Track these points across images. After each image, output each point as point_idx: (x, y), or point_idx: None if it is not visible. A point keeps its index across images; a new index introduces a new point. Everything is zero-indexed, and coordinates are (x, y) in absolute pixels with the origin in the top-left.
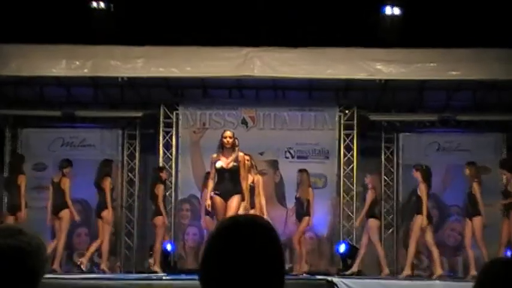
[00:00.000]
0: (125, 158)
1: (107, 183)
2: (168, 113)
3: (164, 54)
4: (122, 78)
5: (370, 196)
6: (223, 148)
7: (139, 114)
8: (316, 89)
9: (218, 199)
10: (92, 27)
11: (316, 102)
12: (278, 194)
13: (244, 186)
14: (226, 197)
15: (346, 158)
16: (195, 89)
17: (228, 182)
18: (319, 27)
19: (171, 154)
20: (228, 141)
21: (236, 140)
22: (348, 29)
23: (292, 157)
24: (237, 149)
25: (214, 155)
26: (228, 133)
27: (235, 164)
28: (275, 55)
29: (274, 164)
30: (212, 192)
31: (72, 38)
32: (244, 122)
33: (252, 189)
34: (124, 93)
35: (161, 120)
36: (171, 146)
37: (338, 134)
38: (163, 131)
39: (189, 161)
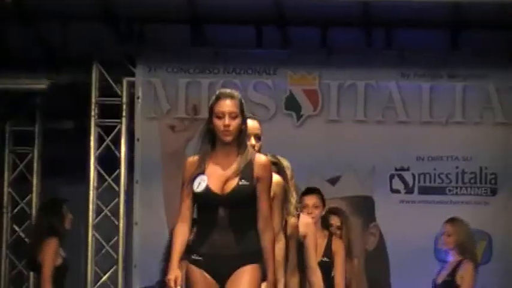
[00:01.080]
0: (7, 190)
1: (49, 254)
2: (110, 81)
3: None
4: None
5: (467, 275)
6: (213, 144)
7: (42, 84)
8: (467, 23)
9: (199, 274)
10: None
11: (468, 59)
12: (375, 278)
13: (274, 242)
14: (219, 272)
15: None
16: (174, 23)
17: (227, 229)
18: None
19: (116, 182)
20: (227, 126)
21: (255, 124)
22: None
23: (409, 188)
24: (255, 145)
25: (192, 159)
26: (228, 103)
27: (245, 183)
28: None
29: (363, 206)
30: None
31: None
32: (292, 105)
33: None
34: (5, 34)
35: (93, 98)
36: (118, 160)
37: None
38: (97, 124)
39: (160, 196)
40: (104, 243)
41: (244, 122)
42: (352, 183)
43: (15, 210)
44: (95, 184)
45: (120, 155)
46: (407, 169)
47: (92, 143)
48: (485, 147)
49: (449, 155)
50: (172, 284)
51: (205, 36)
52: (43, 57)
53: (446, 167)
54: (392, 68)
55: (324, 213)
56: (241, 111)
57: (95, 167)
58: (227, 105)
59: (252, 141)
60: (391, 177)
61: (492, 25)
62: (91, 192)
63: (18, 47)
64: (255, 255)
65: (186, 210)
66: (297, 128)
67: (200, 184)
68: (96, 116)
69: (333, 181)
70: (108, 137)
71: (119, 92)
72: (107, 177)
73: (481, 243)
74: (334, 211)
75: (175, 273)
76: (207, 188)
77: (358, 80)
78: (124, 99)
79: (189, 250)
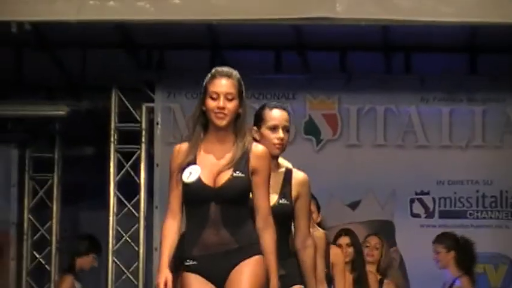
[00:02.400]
0: (27, 217)
1: None
2: (130, 107)
3: None
4: (21, 24)
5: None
6: (206, 129)
7: (62, 111)
8: (485, 47)
9: (193, 280)
10: None
11: (486, 83)
12: None
13: (275, 242)
14: (216, 272)
15: None
16: (194, 49)
17: (219, 227)
18: None
19: (136, 208)
20: (222, 108)
21: (284, 115)
22: None
23: (429, 212)
24: (283, 138)
25: (181, 146)
26: (224, 83)
27: (240, 175)
28: None
29: (384, 230)
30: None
31: None
32: (311, 130)
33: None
34: (24, 61)
35: (113, 124)
36: (137, 186)
37: None
38: (117, 150)
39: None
40: (124, 270)
41: (243, 106)
42: (372, 208)
43: (36, 237)
44: (115, 210)
45: (139, 181)
46: (428, 193)
47: (112, 169)
48: (506, 171)
49: (470, 178)
50: (162, 287)
51: (225, 62)
52: (63, 83)
53: (466, 191)
54: (411, 92)
55: (319, 219)
56: (240, 92)
57: (115, 193)
58: (223, 85)
59: (280, 133)
60: (412, 201)
61: (510, 49)
62: (111, 218)
63: (37, 74)
64: (257, 247)
65: (176, 203)
66: (316, 153)
67: (191, 174)
68: (115, 142)
69: (353, 206)
70: (127, 162)
71: (138, 118)
72: (126, 203)
73: (501, 268)
74: (345, 232)
75: (164, 275)
76: (198, 180)
77: (377, 104)
78: (143, 125)
79: (181, 256)
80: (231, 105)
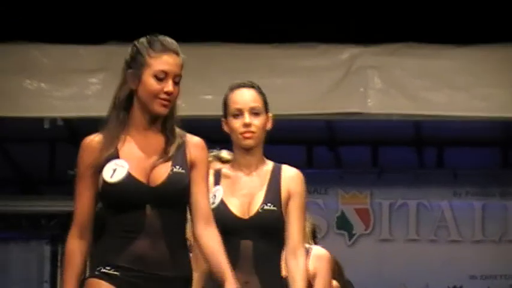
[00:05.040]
0: None
1: None
2: None
3: None
4: (53, 120)
5: None
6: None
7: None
8: None
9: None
10: None
11: None
12: None
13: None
14: None
15: None
16: (224, 143)
17: (157, 237)
18: None
19: None
20: (169, 94)
21: (251, 95)
22: None
23: None
24: (250, 124)
25: (92, 139)
26: (177, 61)
27: (180, 170)
28: (417, 62)
29: None
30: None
31: None
32: (343, 224)
33: None
34: (56, 156)
35: None
36: None
37: None
38: None
39: None
40: None
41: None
42: None
43: None
44: None
45: None
46: None
47: None
48: None
49: (503, 273)
50: None
51: None
52: None
53: (500, 286)
54: (444, 187)
55: None
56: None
57: None
58: (174, 64)
59: (246, 118)
60: None
61: None
62: None
63: (69, 169)
64: (190, 284)
65: (84, 215)
66: (349, 248)
67: (116, 171)
68: None
69: None
70: None
71: None
72: None
73: None
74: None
75: None
76: (129, 177)
77: (409, 199)
78: None
79: (97, 262)
80: (176, 91)
